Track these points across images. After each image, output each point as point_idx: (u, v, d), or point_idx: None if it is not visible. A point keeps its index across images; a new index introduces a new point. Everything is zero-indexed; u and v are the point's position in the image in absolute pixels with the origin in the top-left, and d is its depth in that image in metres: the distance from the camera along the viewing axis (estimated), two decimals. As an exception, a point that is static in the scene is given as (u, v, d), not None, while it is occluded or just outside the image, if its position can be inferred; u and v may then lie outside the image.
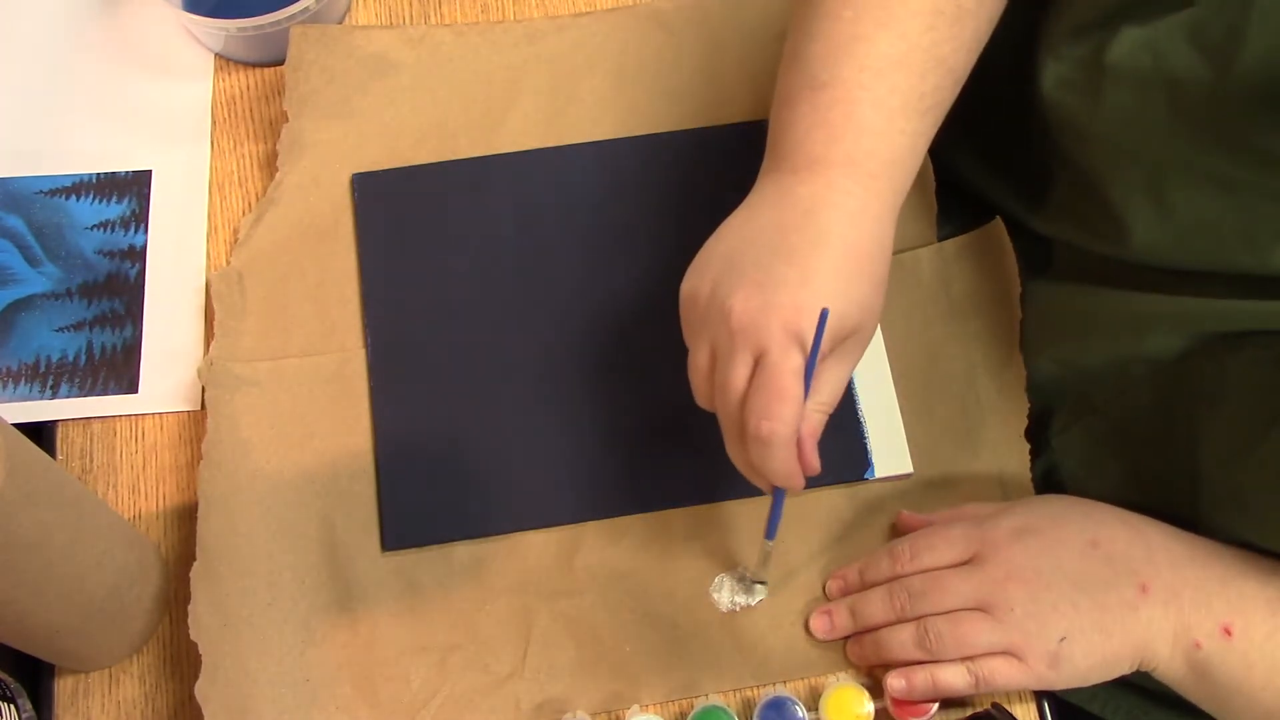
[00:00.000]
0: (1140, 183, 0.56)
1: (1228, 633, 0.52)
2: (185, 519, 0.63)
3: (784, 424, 0.50)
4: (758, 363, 0.51)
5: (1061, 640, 0.54)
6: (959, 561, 0.57)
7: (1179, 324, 0.57)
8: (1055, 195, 0.64)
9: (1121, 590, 0.54)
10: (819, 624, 0.60)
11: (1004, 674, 0.55)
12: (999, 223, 0.67)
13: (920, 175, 0.68)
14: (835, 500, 0.63)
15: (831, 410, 0.54)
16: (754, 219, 0.54)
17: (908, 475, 0.64)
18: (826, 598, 0.61)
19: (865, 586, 0.60)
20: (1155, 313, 0.58)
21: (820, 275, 0.51)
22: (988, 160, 0.70)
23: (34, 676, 0.59)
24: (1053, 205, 0.65)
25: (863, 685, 0.58)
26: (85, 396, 0.65)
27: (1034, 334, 0.65)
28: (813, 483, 0.63)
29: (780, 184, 0.55)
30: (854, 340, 0.53)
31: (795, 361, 0.50)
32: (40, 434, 0.64)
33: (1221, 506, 0.55)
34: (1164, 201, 0.55)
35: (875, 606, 0.58)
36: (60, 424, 0.64)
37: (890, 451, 0.64)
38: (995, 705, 0.56)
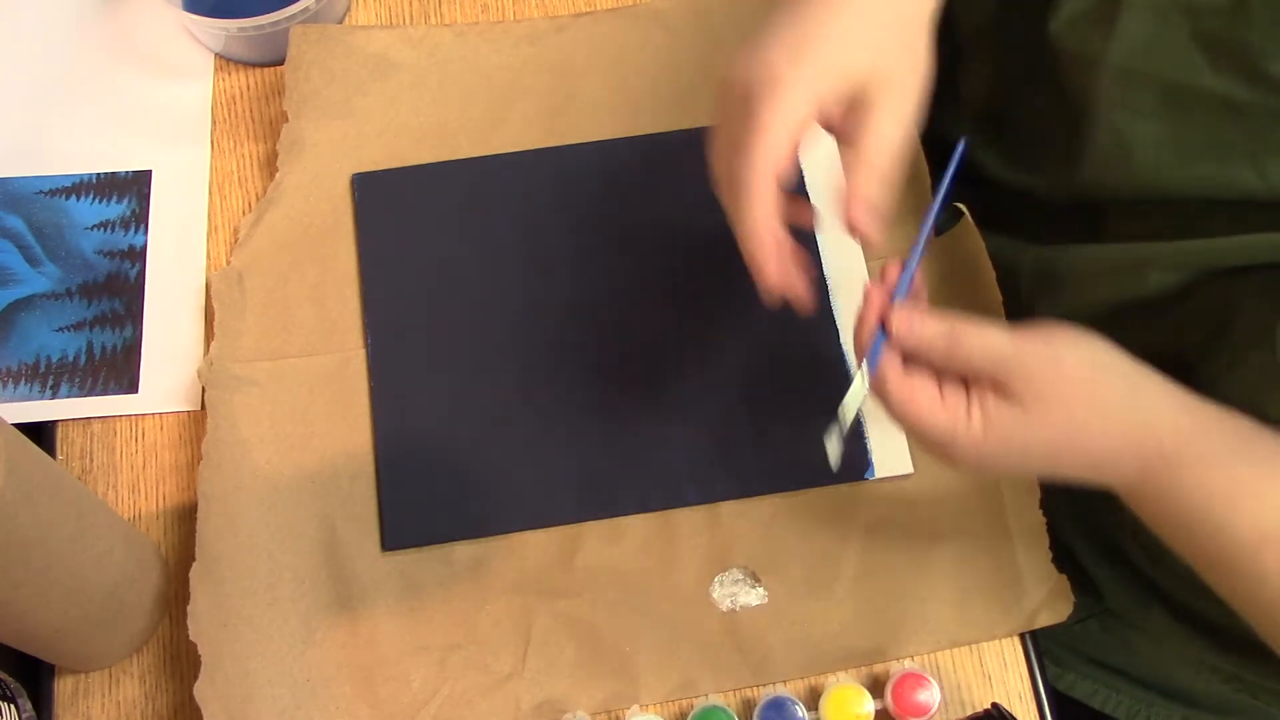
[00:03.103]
0: (1149, 106, 0.56)
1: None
2: (185, 519, 0.63)
3: (751, 164, 0.48)
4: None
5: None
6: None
7: (1179, 264, 0.57)
8: (1054, 142, 0.64)
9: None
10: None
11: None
12: (967, 219, 0.66)
13: (915, 170, 0.68)
14: (836, 500, 0.63)
15: (885, 176, 0.50)
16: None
17: (908, 475, 0.64)
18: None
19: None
20: (1154, 257, 0.58)
21: (816, 25, 0.50)
22: (983, 132, 0.70)
23: (34, 676, 0.60)
24: (1050, 155, 0.65)
25: (862, 685, 0.58)
26: (85, 396, 0.65)
27: (1031, 295, 0.65)
28: (813, 483, 0.63)
29: None
30: (886, 92, 0.50)
31: (770, 102, 0.48)
32: (40, 434, 0.64)
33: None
34: (1173, 125, 0.56)
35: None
36: (60, 424, 0.64)
37: (890, 451, 0.64)
38: (995, 705, 0.56)
